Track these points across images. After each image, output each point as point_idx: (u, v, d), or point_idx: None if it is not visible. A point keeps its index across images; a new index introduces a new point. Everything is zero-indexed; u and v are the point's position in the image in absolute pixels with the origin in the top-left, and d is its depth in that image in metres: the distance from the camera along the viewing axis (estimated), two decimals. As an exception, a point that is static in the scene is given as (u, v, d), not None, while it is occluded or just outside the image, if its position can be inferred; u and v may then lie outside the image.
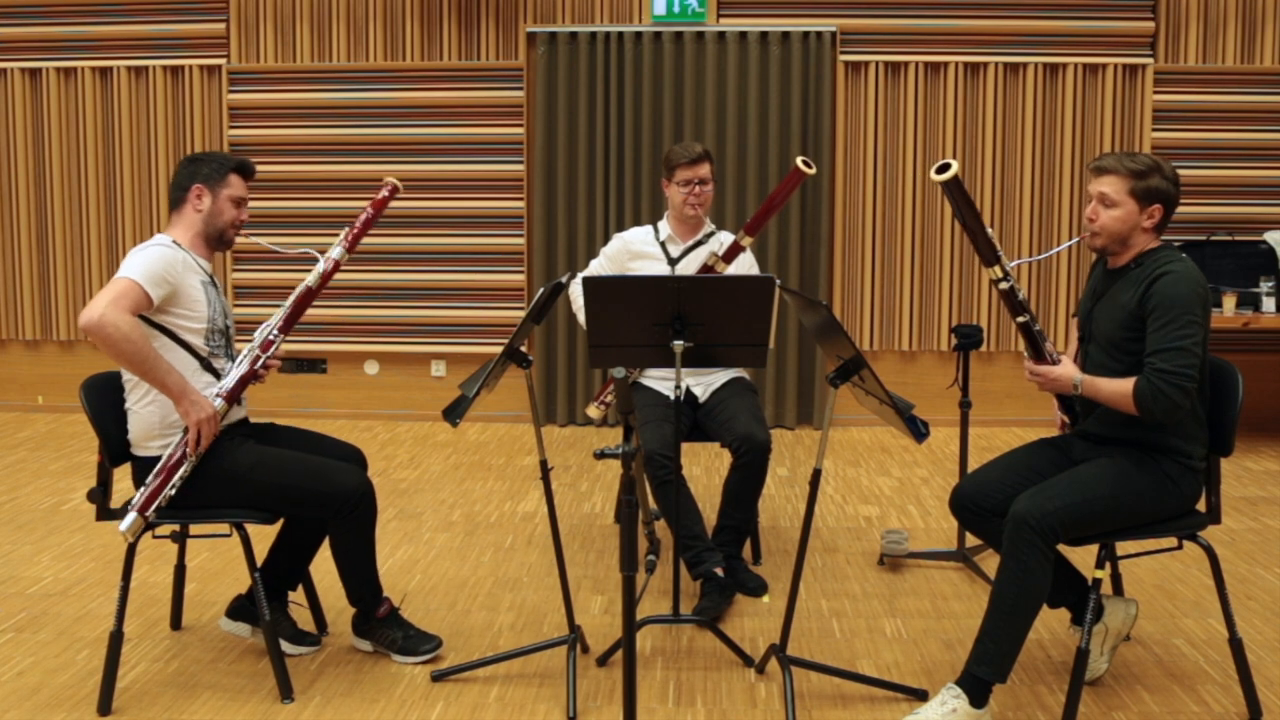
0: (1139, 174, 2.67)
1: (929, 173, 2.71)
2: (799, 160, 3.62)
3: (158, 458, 2.82)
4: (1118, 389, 2.62)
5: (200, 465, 2.80)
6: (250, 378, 2.92)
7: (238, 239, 3.07)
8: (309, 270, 3.09)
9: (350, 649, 3.12)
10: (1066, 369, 2.75)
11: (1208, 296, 2.63)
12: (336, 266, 3.13)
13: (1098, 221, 2.72)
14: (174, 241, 2.90)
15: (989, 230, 2.73)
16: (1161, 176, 2.68)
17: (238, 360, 2.93)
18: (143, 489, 2.77)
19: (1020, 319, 2.78)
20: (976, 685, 2.58)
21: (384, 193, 3.21)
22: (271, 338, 2.96)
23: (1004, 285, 2.76)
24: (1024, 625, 2.58)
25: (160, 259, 2.78)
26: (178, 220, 2.97)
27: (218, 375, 2.91)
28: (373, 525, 2.98)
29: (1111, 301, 2.74)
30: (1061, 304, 5.94)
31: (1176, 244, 5.68)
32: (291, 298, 3.05)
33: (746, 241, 3.71)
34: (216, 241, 3.00)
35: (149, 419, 2.82)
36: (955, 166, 2.61)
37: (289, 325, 3.02)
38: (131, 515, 2.74)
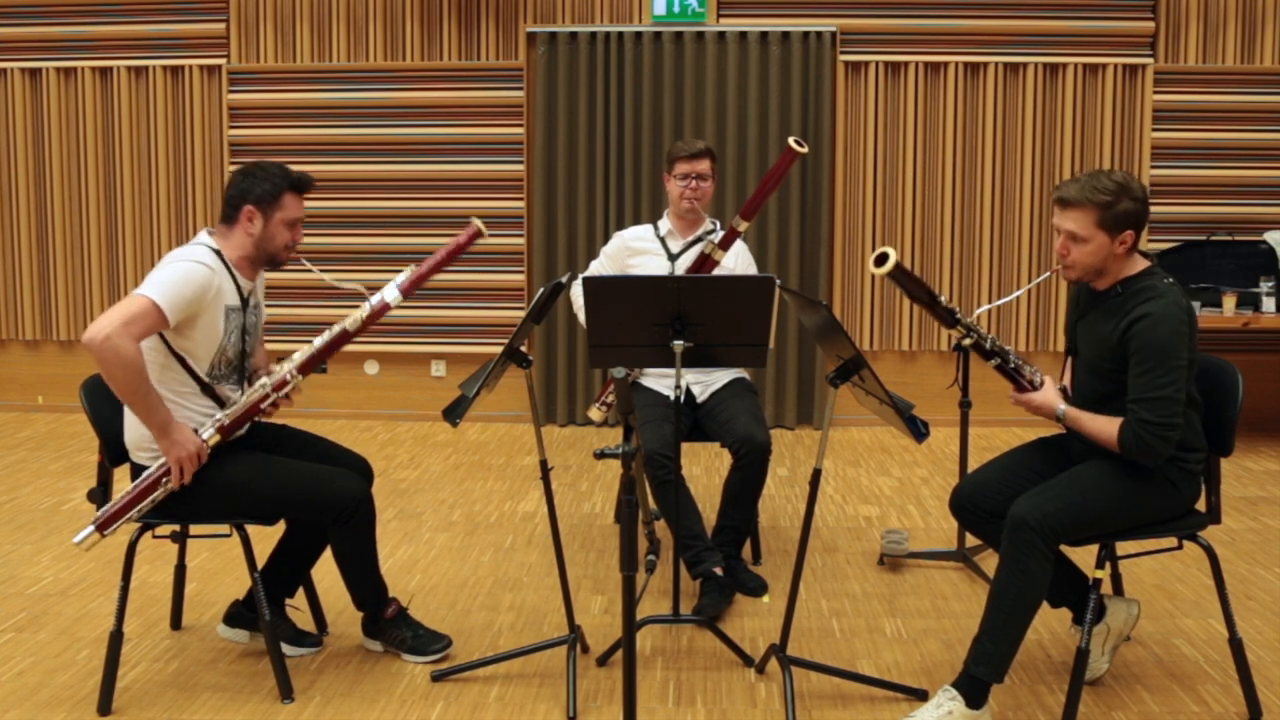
0: (1106, 205, 2.56)
1: (869, 263, 2.66)
2: (791, 140, 3.61)
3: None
4: (1101, 430, 2.61)
5: (199, 476, 2.75)
6: (255, 413, 2.81)
7: (290, 260, 2.91)
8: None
9: (350, 649, 3.12)
10: (1048, 397, 2.73)
11: (1191, 328, 2.57)
12: (384, 310, 2.89)
13: (1069, 257, 2.65)
14: (219, 254, 2.78)
15: (941, 298, 2.68)
16: (1129, 198, 2.58)
17: (248, 393, 2.81)
18: (109, 505, 2.73)
19: (992, 363, 2.75)
20: (974, 685, 2.58)
21: (464, 237, 2.97)
22: (288, 378, 2.82)
23: (968, 341, 2.73)
24: (1022, 626, 2.58)
25: (195, 282, 2.66)
26: (228, 234, 2.83)
27: (220, 401, 2.81)
28: (372, 531, 2.98)
29: (1093, 327, 2.71)
30: (1062, 307, 5.94)
31: (1178, 243, 5.76)
32: (324, 337, 2.86)
33: (743, 226, 3.69)
34: (267, 264, 2.88)
35: (142, 429, 2.76)
36: (894, 255, 2.56)
37: (310, 367, 2.85)
38: (89, 529, 2.71)
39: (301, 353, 2.87)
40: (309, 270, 3.02)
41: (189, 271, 2.67)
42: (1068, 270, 2.68)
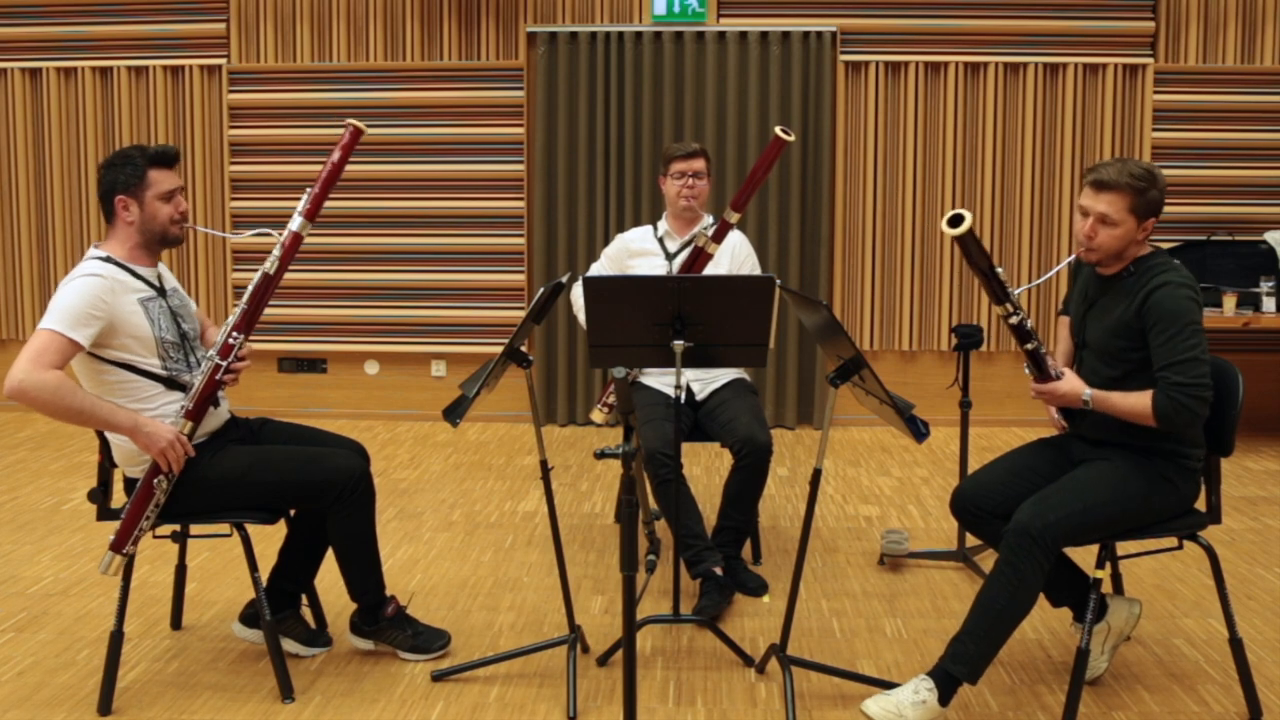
0: (1140, 190, 2.61)
1: (941, 224, 2.65)
2: (777, 129, 3.62)
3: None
4: (1135, 404, 2.60)
5: (194, 479, 2.75)
6: (214, 388, 2.79)
7: (184, 234, 2.87)
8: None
9: (350, 649, 3.10)
10: (1073, 384, 2.71)
11: (1201, 301, 2.63)
12: (297, 241, 2.88)
13: (1096, 239, 2.66)
14: (108, 258, 2.75)
15: (999, 270, 2.68)
16: (1157, 188, 2.65)
17: (200, 372, 2.79)
18: (118, 525, 2.72)
19: (1029, 346, 2.73)
20: (947, 682, 2.58)
21: (345, 140, 2.96)
22: (231, 341, 2.80)
23: (1014, 320, 2.71)
24: (1006, 632, 2.58)
25: (85, 293, 2.63)
26: (113, 233, 2.81)
27: (186, 390, 2.79)
28: (372, 510, 2.95)
29: (1105, 311, 2.72)
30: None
31: (1178, 243, 5.77)
32: (250, 288, 2.85)
33: (734, 218, 3.70)
34: (160, 243, 2.84)
35: (125, 444, 2.75)
36: (969, 219, 2.52)
37: (248, 323, 2.83)
38: (109, 557, 2.70)
39: (235, 313, 2.85)
40: (202, 232, 3.03)
41: (78, 289, 2.65)
42: (1091, 253, 2.70)
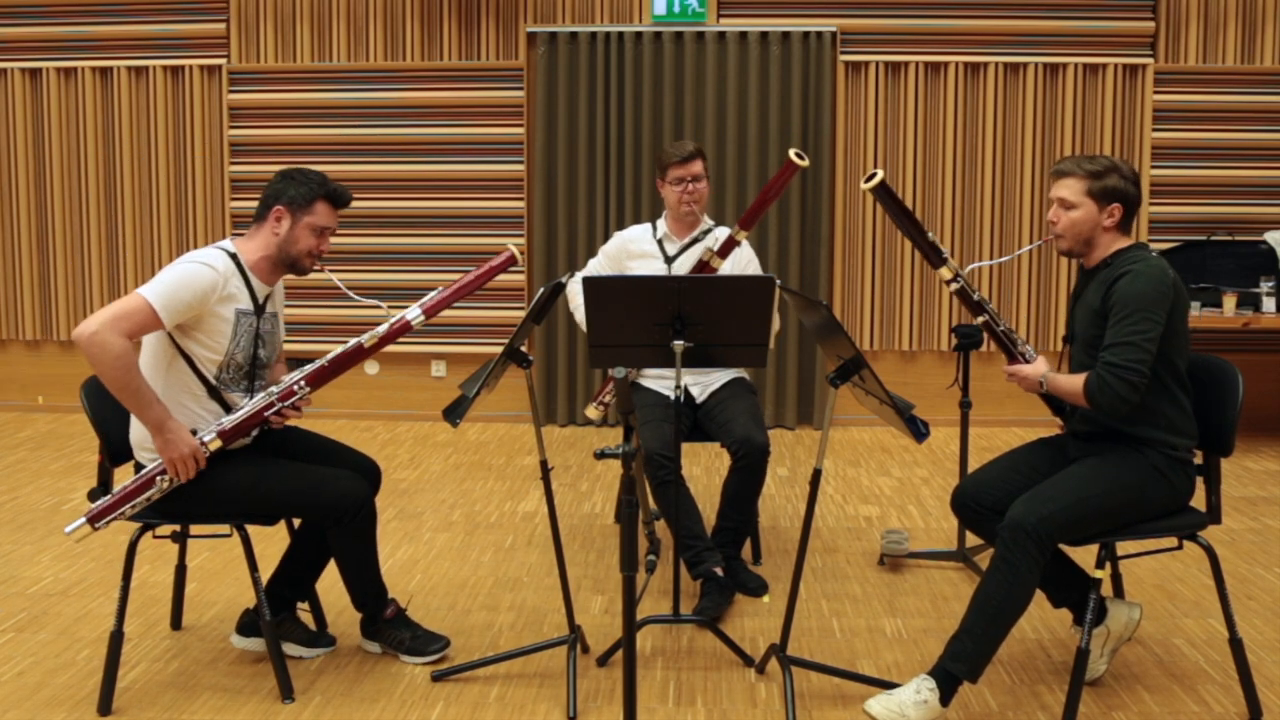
0: (1096, 175, 2.71)
1: (860, 182, 2.83)
2: (792, 152, 3.60)
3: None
4: (1072, 384, 2.67)
5: (199, 483, 2.73)
6: (259, 422, 2.78)
7: (314, 270, 2.90)
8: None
9: (350, 649, 3.11)
10: (1036, 367, 2.80)
11: (1170, 294, 2.62)
12: (405, 329, 2.89)
13: (1059, 224, 2.76)
14: (233, 256, 2.77)
15: (929, 234, 2.75)
16: (1120, 176, 2.71)
17: (253, 401, 2.79)
18: (104, 499, 2.72)
19: (979, 319, 2.80)
20: (948, 681, 2.58)
21: (496, 262, 2.96)
22: (295, 389, 2.80)
23: (955, 286, 2.78)
24: (1005, 629, 2.59)
25: (196, 283, 2.65)
26: (254, 234, 2.84)
27: (226, 407, 2.79)
28: (372, 533, 2.97)
29: (1085, 303, 2.77)
30: (1061, 308, 5.95)
31: (1178, 243, 5.77)
32: (338, 351, 2.86)
33: (741, 235, 3.70)
34: (288, 268, 2.86)
35: (145, 428, 2.74)
36: (881, 174, 2.67)
37: (321, 381, 2.83)
38: (80, 521, 2.70)
39: (313, 364, 2.85)
40: (331, 279, 3.05)
41: (191, 273, 2.67)
42: (1059, 239, 2.78)
